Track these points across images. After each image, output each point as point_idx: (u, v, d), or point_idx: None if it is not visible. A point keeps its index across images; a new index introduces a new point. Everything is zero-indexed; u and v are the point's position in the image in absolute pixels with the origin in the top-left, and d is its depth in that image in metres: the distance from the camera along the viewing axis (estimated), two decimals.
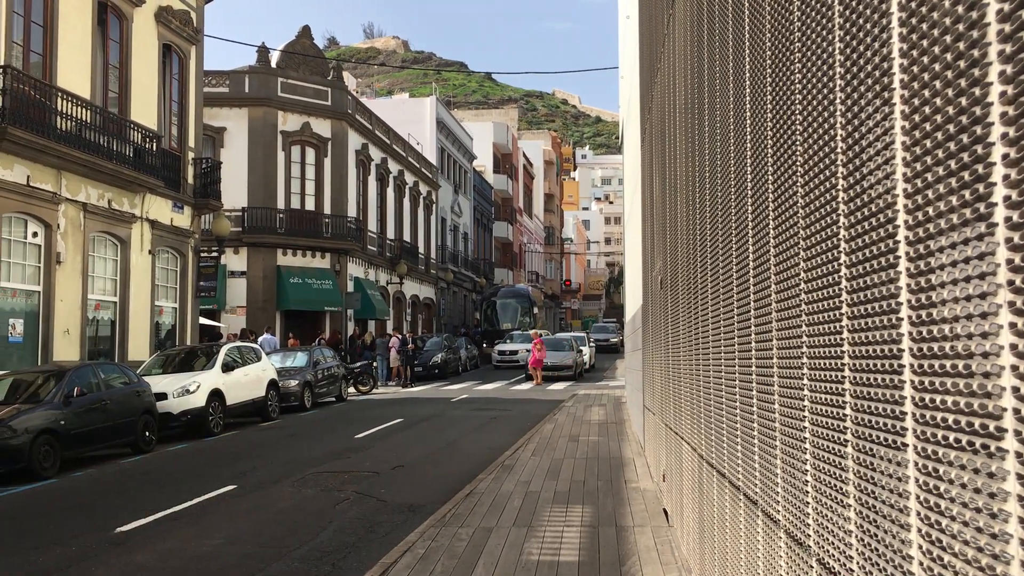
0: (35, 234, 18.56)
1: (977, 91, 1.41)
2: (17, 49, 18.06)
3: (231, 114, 34.36)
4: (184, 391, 17.35)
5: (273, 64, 36.19)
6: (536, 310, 53.31)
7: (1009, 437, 1.33)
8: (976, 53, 1.41)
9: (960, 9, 1.47)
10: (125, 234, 21.56)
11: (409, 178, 46.46)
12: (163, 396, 16.84)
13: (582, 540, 7.82)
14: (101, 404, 14.50)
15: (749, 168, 3.40)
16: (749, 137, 3.37)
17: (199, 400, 17.49)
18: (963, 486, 1.48)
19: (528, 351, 35.00)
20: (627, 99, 17.23)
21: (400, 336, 34.37)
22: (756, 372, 3.37)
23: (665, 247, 7.71)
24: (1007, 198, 1.33)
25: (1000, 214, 1.35)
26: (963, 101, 1.46)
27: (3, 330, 17.60)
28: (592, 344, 42.68)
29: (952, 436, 1.52)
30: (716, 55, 4.24)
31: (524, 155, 78.87)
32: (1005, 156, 1.34)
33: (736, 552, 3.98)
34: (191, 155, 25.19)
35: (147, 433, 15.68)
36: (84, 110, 19.41)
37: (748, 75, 3.36)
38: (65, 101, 18.76)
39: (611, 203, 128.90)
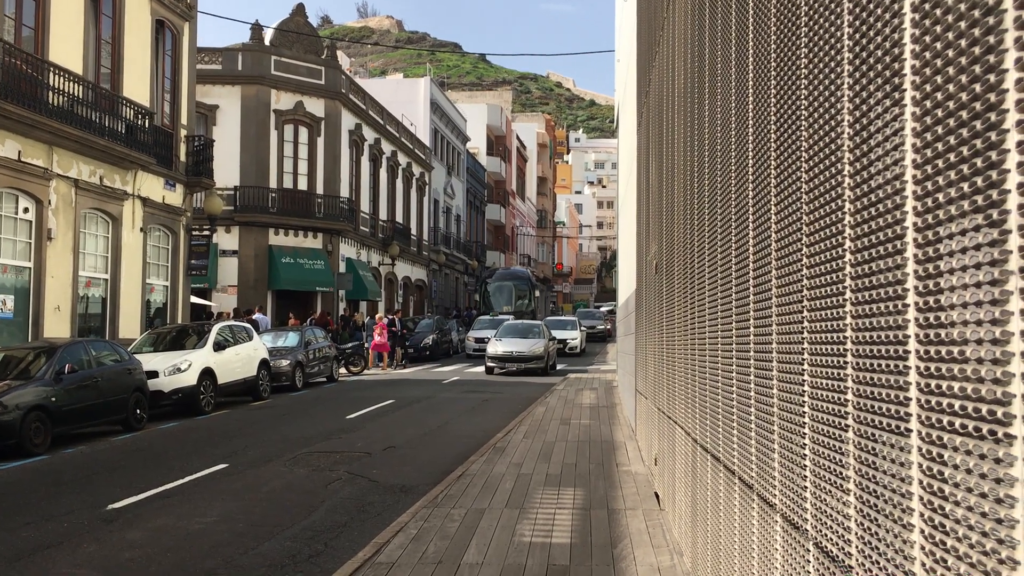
0: (26, 210, 18.46)
1: (992, 78, 1.41)
2: (9, 23, 17.89)
3: (224, 92, 34.14)
4: (175, 369, 17.33)
5: (267, 42, 35.92)
6: (537, 293, 53.03)
7: (1018, 423, 1.33)
8: (992, 39, 1.41)
9: None
10: (117, 211, 21.45)
11: (402, 159, 46.30)
12: (154, 374, 16.82)
13: (574, 522, 7.86)
14: (92, 381, 14.47)
15: (751, 152, 3.40)
16: (752, 121, 3.37)
17: (190, 378, 17.47)
18: (968, 471, 1.49)
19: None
20: (623, 83, 17.18)
21: (387, 318, 34.16)
22: (754, 357, 3.38)
23: (661, 232, 7.71)
24: (1021, 185, 1.33)
25: (1013, 201, 1.35)
26: (977, 88, 1.46)
27: None
28: (583, 329, 42.65)
29: (958, 422, 1.52)
30: (718, 39, 4.22)
31: (518, 138, 78.68)
32: (1020, 144, 1.34)
33: (730, 535, 4.00)
34: (183, 132, 25.05)
35: (138, 411, 15.66)
36: (76, 85, 19.25)
37: (751, 58, 3.35)
38: (57, 76, 18.60)
39: (604, 187, 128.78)
